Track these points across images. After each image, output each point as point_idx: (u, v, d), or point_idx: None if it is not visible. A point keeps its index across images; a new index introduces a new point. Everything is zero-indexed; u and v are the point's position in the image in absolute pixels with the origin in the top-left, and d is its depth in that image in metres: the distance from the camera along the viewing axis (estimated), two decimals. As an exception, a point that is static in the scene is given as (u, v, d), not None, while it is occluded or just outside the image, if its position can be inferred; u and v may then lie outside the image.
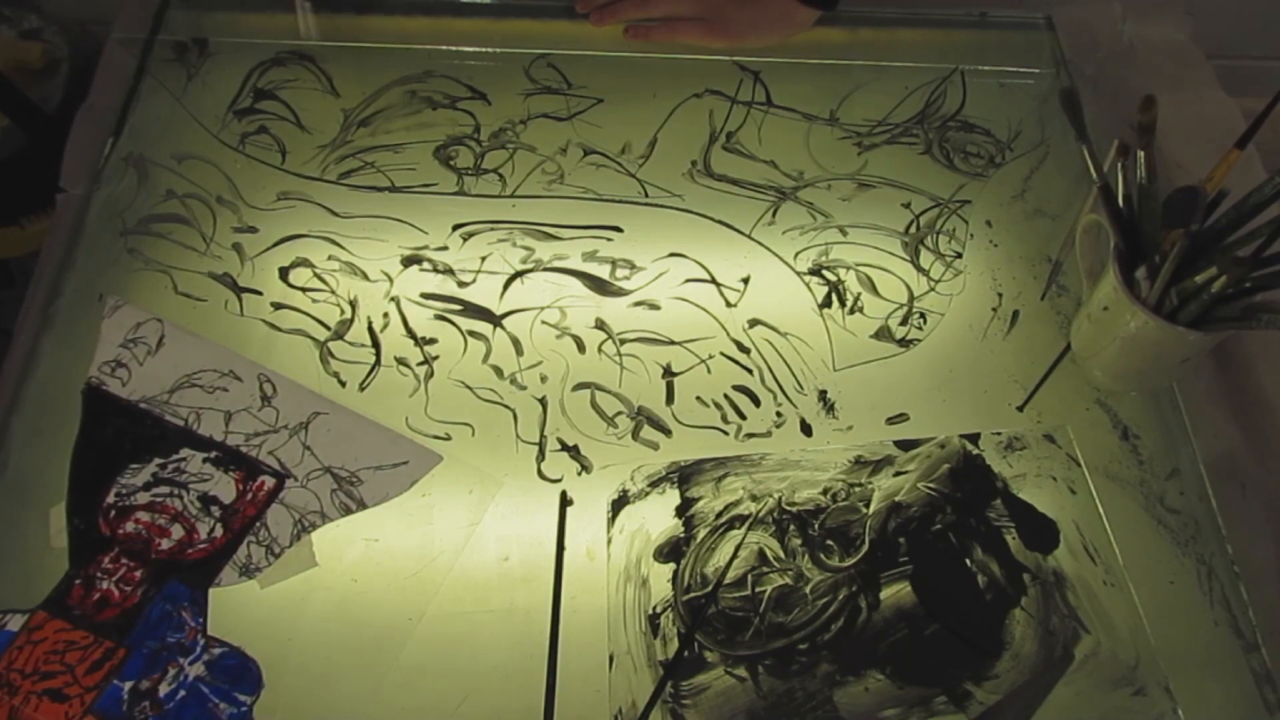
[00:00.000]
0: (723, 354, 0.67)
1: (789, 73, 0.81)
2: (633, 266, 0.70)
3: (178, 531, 0.57)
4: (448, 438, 0.62)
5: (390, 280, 0.68)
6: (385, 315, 0.66)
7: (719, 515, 0.61)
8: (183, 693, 0.53)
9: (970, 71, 0.83)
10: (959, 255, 0.73)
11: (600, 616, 0.57)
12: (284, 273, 0.68)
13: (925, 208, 0.75)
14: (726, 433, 0.64)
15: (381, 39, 0.79)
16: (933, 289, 0.71)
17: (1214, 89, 0.80)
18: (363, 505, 0.59)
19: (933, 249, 0.73)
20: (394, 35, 0.80)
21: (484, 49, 0.79)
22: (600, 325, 0.67)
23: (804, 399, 0.65)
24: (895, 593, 0.59)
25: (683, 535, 0.60)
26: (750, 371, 0.66)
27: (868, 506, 0.61)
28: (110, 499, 0.58)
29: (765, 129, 0.78)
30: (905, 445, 0.64)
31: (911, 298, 0.70)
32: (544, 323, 0.67)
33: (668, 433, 0.63)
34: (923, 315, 0.70)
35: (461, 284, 0.68)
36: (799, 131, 0.78)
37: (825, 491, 0.62)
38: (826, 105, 0.80)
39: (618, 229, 0.71)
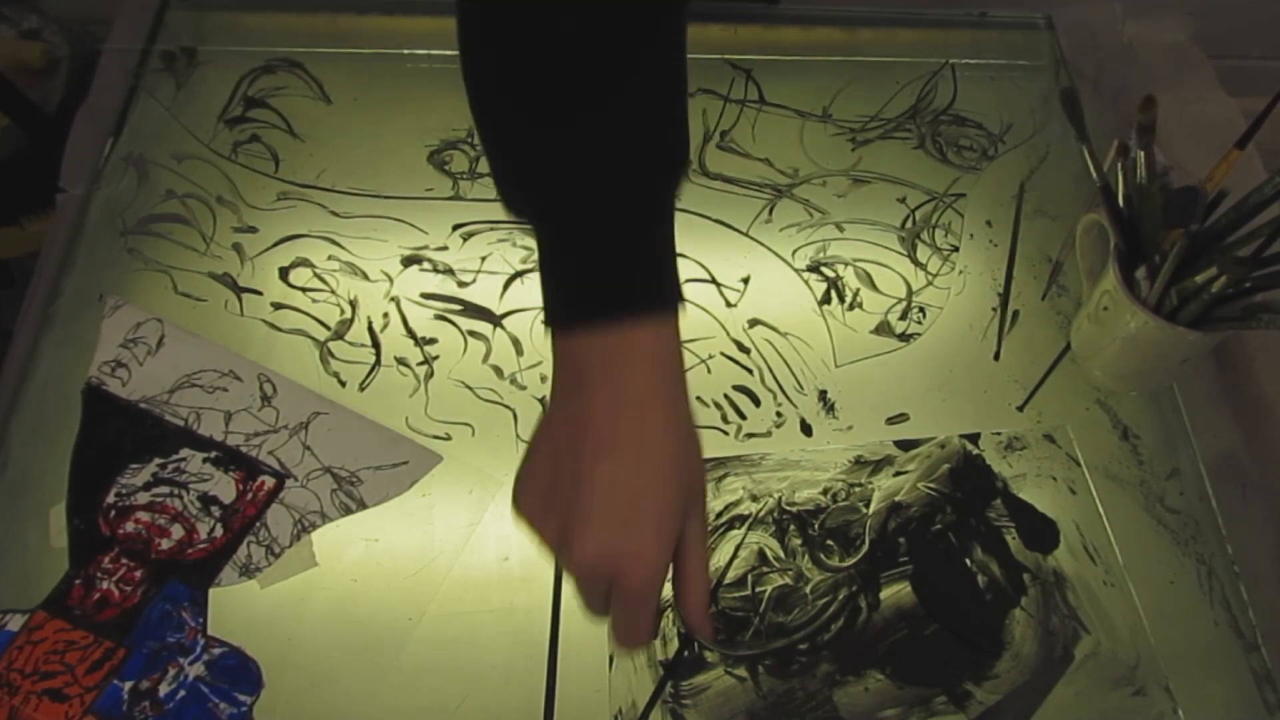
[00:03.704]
0: (723, 354, 0.67)
1: (780, 70, 0.81)
2: (633, 266, 0.70)
3: (178, 531, 0.57)
4: (448, 438, 0.62)
5: (390, 280, 0.68)
6: (385, 315, 0.66)
7: (719, 515, 0.60)
8: (183, 693, 0.53)
9: (960, 65, 0.83)
10: (955, 249, 0.73)
11: (600, 616, 0.57)
12: (284, 273, 0.67)
13: (920, 202, 0.75)
14: (726, 433, 0.64)
15: (372, 43, 0.79)
16: (930, 283, 0.71)
17: (1214, 89, 0.80)
18: (363, 505, 0.59)
19: (929, 243, 0.73)
20: (385, 39, 0.79)
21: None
22: (600, 325, 0.67)
23: (804, 399, 0.65)
24: (895, 593, 0.59)
25: (683, 535, 0.60)
26: (750, 371, 0.66)
27: (868, 506, 0.61)
28: (110, 499, 0.58)
29: (759, 127, 0.78)
30: (905, 445, 0.64)
31: (910, 292, 0.70)
32: (544, 323, 0.67)
33: (668, 433, 0.63)
34: (922, 310, 0.70)
35: (461, 284, 0.68)
36: (793, 128, 0.78)
37: (825, 491, 0.62)
38: (819, 102, 0.80)
39: (618, 229, 0.71)
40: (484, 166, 0.74)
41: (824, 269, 0.71)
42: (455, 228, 0.70)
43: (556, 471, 0.39)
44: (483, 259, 0.69)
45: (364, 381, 0.64)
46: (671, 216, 0.41)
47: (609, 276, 0.39)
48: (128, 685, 0.53)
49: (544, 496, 0.39)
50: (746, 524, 0.60)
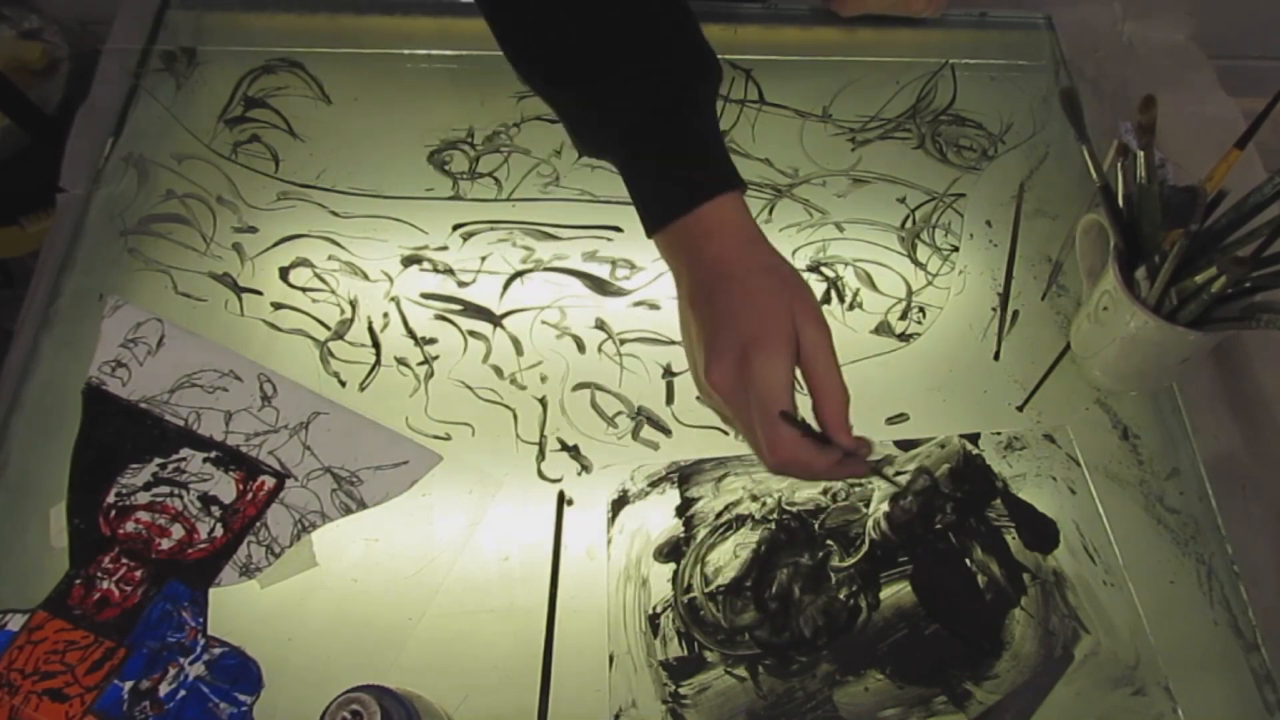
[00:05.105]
0: (723, 354, 0.67)
1: (780, 70, 0.81)
2: (633, 266, 0.70)
3: (178, 531, 0.57)
4: (448, 438, 0.62)
5: (390, 280, 0.68)
6: (385, 315, 0.66)
7: (719, 515, 0.61)
8: (183, 692, 0.53)
9: (960, 65, 0.83)
10: (955, 249, 0.73)
11: (600, 616, 0.57)
12: (284, 273, 0.68)
13: (920, 202, 0.75)
14: (726, 433, 0.64)
15: (372, 43, 0.79)
16: (930, 283, 0.71)
17: (1214, 89, 0.80)
18: (363, 505, 0.59)
19: (929, 243, 0.73)
20: (385, 39, 0.79)
21: (475, 51, 0.79)
22: (600, 325, 0.67)
23: (804, 399, 0.65)
24: (895, 593, 0.59)
25: (683, 535, 0.60)
26: (750, 371, 0.66)
27: (868, 506, 0.61)
28: (110, 499, 0.58)
29: (759, 126, 0.78)
30: (905, 445, 0.64)
31: (910, 292, 0.70)
32: (544, 322, 0.67)
33: (668, 432, 0.63)
34: (922, 310, 0.70)
35: (461, 284, 0.68)
36: (792, 128, 0.78)
37: (825, 491, 0.62)
38: (819, 102, 0.80)
39: (618, 229, 0.71)
40: (484, 166, 0.74)
41: (824, 269, 0.71)
42: (455, 228, 0.70)
43: (696, 341, 0.48)
44: (483, 259, 0.69)
45: (364, 381, 0.64)
46: (715, 116, 0.51)
47: (683, 178, 0.48)
48: (128, 685, 0.53)
49: (702, 367, 0.47)
50: (747, 524, 0.60)
